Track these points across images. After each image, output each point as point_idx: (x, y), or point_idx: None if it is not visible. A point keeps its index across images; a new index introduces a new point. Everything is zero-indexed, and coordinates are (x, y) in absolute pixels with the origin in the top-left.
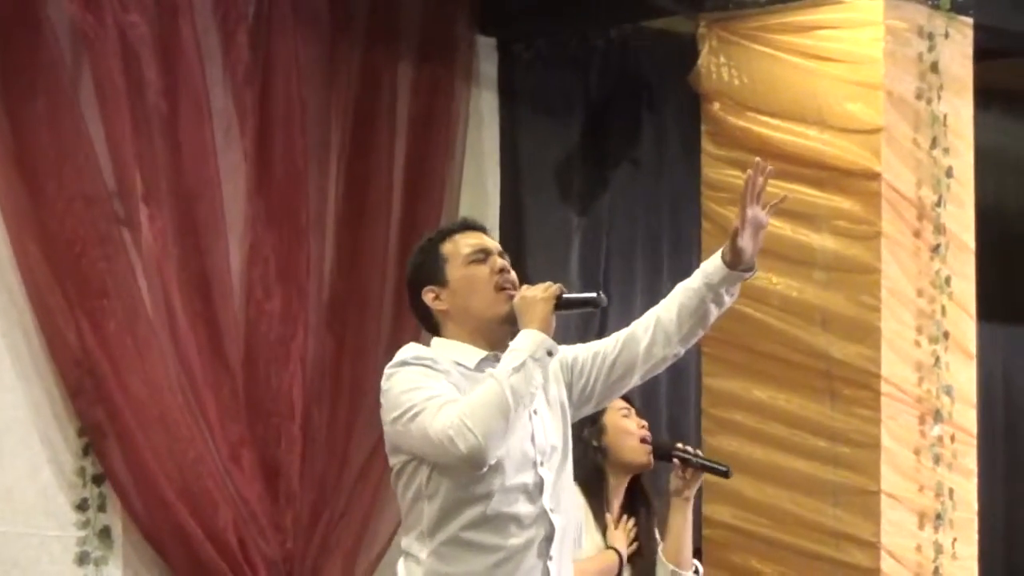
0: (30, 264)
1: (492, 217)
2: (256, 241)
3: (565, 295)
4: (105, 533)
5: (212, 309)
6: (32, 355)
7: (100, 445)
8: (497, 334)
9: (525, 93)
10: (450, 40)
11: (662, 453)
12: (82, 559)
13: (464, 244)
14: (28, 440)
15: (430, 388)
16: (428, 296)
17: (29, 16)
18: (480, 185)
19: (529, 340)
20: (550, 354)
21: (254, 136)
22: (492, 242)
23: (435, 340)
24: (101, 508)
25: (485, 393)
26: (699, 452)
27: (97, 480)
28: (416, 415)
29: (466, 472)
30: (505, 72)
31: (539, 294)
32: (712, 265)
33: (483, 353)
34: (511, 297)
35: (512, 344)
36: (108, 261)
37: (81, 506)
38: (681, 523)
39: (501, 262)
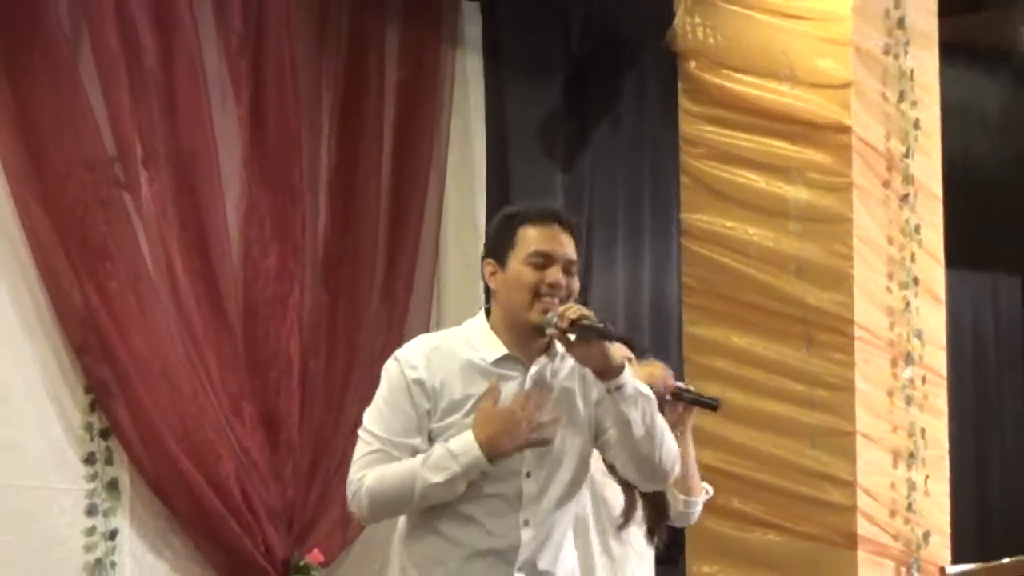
0: (34, 227)
1: (478, 175)
2: (252, 202)
3: (591, 324)
4: (112, 485)
5: (211, 268)
6: (39, 315)
7: (106, 401)
8: (524, 335)
9: (508, 54)
10: (435, 4)
11: (657, 390)
12: (91, 510)
13: (539, 239)
14: (37, 397)
15: (382, 422)
16: (486, 268)
17: None
18: (467, 144)
19: (471, 457)
20: (483, 472)
21: (248, 100)
22: (566, 248)
23: (479, 315)
24: (108, 461)
25: (398, 486)
26: (690, 388)
27: (104, 434)
28: (360, 435)
29: None
30: (489, 34)
31: (516, 422)
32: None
33: (503, 351)
34: (546, 311)
35: (454, 447)
36: (110, 223)
37: (89, 460)
38: (682, 450)
39: (557, 276)
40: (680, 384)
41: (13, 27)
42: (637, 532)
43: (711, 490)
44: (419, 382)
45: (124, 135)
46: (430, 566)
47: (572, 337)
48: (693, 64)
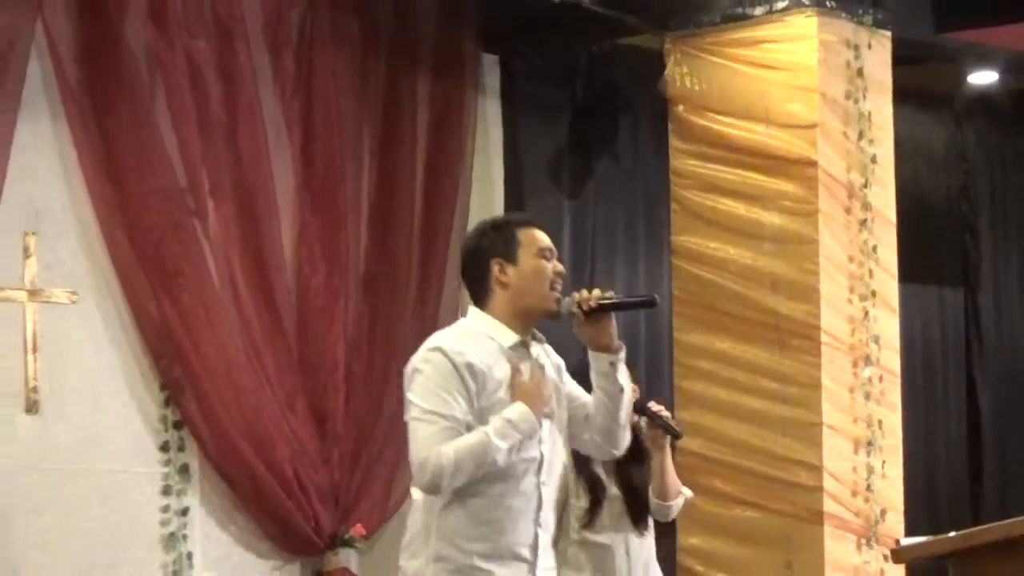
0: (118, 249)
1: (498, 203)
2: (303, 226)
3: (614, 301)
4: (184, 469)
5: (269, 284)
6: (122, 325)
7: (179, 397)
8: (532, 321)
9: (523, 100)
10: (460, 57)
11: (639, 410)
12: (166, 491)
13: (540, 239)
14: (120, 395)
15: (442, 403)
16: (495, 267)
17: (112, 43)
18: (487, 177)
19: (529, 424)
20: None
21: (300, 139)
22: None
23: (473, 311)
24: (181, 449)
25: (476, 454)
26: (661, 412)
27: (177, 426)
28: (414, 419)
29: None
30: (506, 83)
31: (540, 394)
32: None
33: (515, 338)
34: (557, 300)
35: (511, 416)
36: (182, 245)
37: (164, 447)
38: (659, 464)
39: (560, 267)
40: (655, 408)
41: (100, 79)
42: (606, 531)
43: (689, 494)
44: (469, 365)
45: (194, 169)
46: (468, 531)
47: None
48: (681, 108)
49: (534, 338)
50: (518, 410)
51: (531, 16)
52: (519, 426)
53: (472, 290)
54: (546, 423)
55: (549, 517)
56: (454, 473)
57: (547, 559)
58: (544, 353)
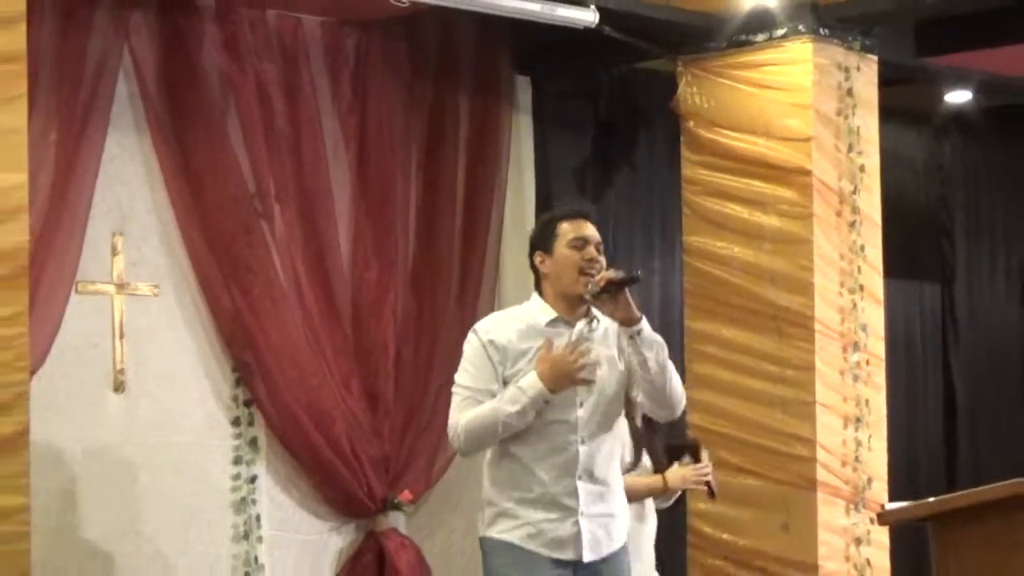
0: (195, 248)
1: (529, 208)
2: (358, 228)
3: (613, 280)
4: (253, 442)
5: (327, 278)
6: (198, 315)
7: (248, 378)
8: (572, 303)
9: (552, 117)
10: (496, 79)
11: (676, 455)
12: (237, 461)
13: (574, 230)
14: (197, 376)
15: (468, 376)
16: (536, 258)
17: (190, 66)
18: (520, 185)
19: (535, 390)
20: (546, 402)
21: (355, 152)
22: (594, 233)
23: (533, 295)
24: (250, 423)
25: (485, 420)
26: (707, 470)
27: (247, 403)
28: (453, 391)
29: None
30: (537, 102)
31: (568, 363)
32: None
33: (554, 314)
34: (587, 284)
35: (521, 383)
36: (251, 244)
37: (235, 422)
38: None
39: (592, 252)
40: (703, 467)
41: (179, 97)
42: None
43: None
44: (492, 342)
45: (262, 177)
46: (510, 480)
47: (606, 295)
48: (692, 123)
49: (585, 316)
50: (529, 379)
51: (559, 42)
52: (527, 392)
53: (534, 277)
54: (584, 389)
55: (597, 470)
56: (466, 436)
57: (600, 506)
58: (602, 331)
